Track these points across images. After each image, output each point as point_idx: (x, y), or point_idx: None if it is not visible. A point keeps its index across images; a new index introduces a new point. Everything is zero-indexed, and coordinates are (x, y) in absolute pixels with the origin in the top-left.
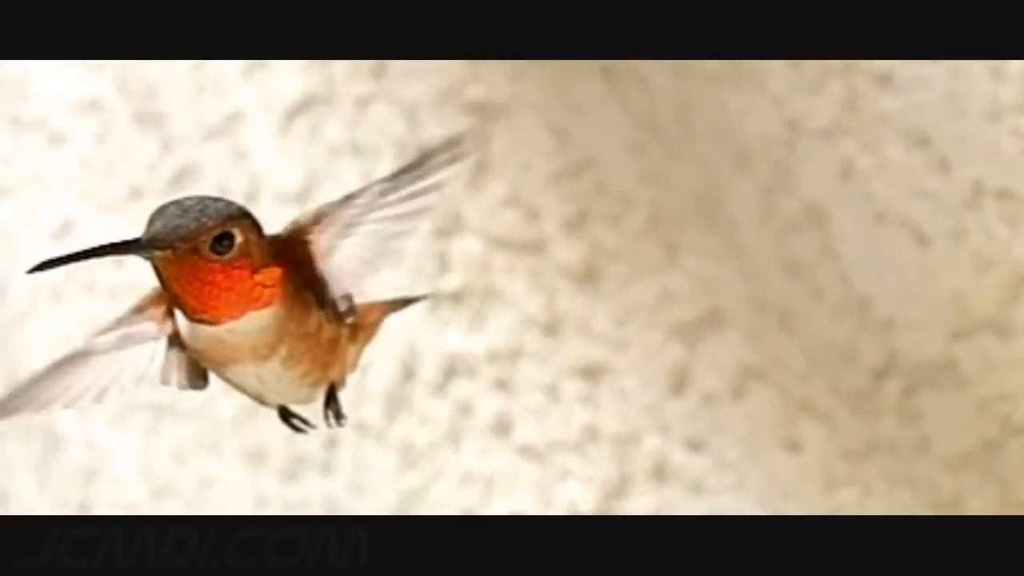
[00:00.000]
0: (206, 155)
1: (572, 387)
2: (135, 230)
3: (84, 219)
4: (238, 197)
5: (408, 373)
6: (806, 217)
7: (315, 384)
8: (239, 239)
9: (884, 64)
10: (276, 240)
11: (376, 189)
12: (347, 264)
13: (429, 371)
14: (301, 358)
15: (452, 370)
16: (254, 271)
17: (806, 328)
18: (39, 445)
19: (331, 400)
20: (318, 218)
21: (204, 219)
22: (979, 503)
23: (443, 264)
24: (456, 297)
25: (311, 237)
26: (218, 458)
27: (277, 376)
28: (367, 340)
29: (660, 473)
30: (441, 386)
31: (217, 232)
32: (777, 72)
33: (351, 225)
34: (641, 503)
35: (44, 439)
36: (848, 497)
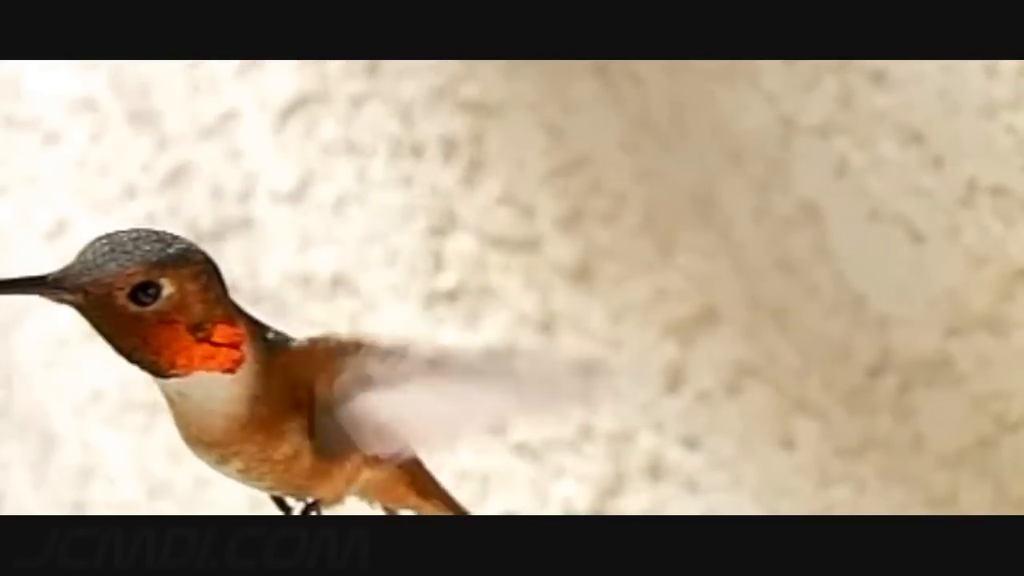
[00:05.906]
0: (200, 154)
1: None
2: None
3: (78, 219)
4: (232, 196)
5: None
6: (800, 214)
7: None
8: (168, 290)
9: (878, 61)
10: (282, 343)
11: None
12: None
13: None
14: (263, 476)
15: None
16: (192, 327)
17: (800, 325)
18: (34, 445)
19: (309, 508)
20: (351, 349)
21: (126, 264)
22: (974, 500)
23: (437, 262)
24: (451, 296)
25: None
26: None
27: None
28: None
29: (655, 471)
30: None
31: (137, 280)
32: (771, 69)
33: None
34: (636, 501)
35: (39, 439)
36: (842, 494)
